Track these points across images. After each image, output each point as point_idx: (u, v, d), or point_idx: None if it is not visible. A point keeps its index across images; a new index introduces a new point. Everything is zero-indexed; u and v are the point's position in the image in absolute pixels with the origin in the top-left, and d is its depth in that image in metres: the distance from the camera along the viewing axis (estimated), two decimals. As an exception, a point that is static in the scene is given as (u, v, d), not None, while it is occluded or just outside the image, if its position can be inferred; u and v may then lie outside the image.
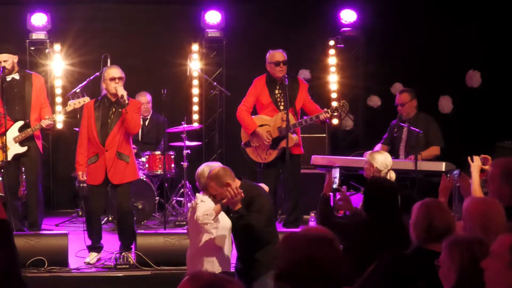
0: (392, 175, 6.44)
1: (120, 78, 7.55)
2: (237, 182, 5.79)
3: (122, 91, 7.47)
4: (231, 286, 2.54)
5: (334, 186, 6.12)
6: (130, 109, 7.48)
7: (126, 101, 7.44)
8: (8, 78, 8.19)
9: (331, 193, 5.79)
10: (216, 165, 6.00)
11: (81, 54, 10.21)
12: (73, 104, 7.98)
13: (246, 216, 5.56)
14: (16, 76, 8.25)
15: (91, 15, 10.44)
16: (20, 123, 8.18)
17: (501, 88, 10.52)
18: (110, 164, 7.51)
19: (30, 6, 10.12)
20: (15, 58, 8.26)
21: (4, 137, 8.03)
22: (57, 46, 10.19)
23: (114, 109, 7.57)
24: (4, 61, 8.15)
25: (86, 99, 7.85)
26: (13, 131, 8.15)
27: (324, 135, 9.81)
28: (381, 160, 6.46)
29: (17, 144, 8.14)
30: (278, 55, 8.45)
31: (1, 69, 8.05)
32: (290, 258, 2.91)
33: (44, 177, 9.05)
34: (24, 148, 8.17)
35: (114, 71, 7.59)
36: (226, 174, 5.73)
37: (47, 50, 10.09)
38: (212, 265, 5.80)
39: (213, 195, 5.80)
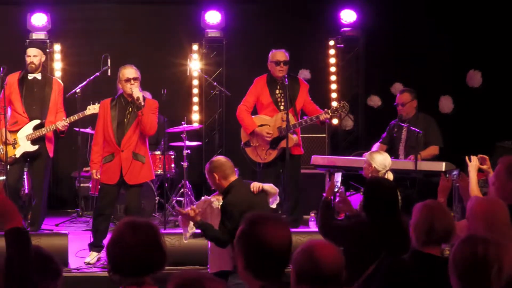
0: (390, 176, 6.43)
1: (135, 79, 7.46)
2: (231, 179, 5.85)
3: (137, 93, 7.39)
4: (210, 283, 2.60)
5: (336, 190, 6.13)
6: (146, 111, 7.42)
7: (142, 103, 7.39)
8: (30, 77, 8.25)
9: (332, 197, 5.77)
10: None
11: (81, 54, 10.21)
12: (93, 108, 7.98)
13: (208, 230, 5.71)
14: (38, 76, 8.29)
15: (91, 15, 10.44)
16: (36, 121, 8.18)
17: (502, 88, 10.51)
18: (126, 165, 7.46)
19: (30, 6, 10.12)
20: (43, 57, 8.39)
21: (5, 134, 8.03)
22: (57, 46, 10.20)
23: (130, 109, 7.51)
24: (34, 55, 8.24)
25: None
26: (27, 129, 8.16)
27: (324, 135, 9.80)
28: (380, 160, 6.45)
29: (29, 142, 8.14)
30: (279, 54, 8.45)
31: (1, 69, 8.05)
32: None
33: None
34: (35, 147, 8.16)
35: (129, 72, 7.50)
36: (220, 167, 5.85)
37: (47, 50, 10.08)
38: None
39: None
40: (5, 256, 2.76)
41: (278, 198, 6.25)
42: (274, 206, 6.26)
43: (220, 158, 6.08)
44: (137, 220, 3.38)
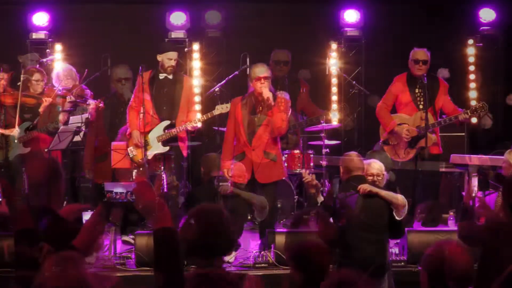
0: None
1: (265, 78, 7.56)
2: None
3: (267, 93, 7.54)
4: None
5: (473, 194, 6.08)
6: (276, 110, 7.55)
7: (272, 103, 7.50)
8: (161, 76, 8.15)
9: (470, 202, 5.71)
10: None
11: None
12: (221, 108, 7.97)
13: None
14: (170, 76, 8.17)
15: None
16: (166, 122, 8.06)
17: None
18: (257, 164, 7.52)
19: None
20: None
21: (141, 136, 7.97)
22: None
23: (261, 107, 7.64)
24: (174, 59, 8.13)
25: (229, 105, 7.89)
26: (158, 130, 8.06)
27: (463, 134, 9.57)
28: None
29: (160, 143, 8.05)
30: (420, 53, 8.46)
31: (140, 68, 7.99)
32: None
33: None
34: (166, 148, 8.05)
35: (260, 70, 7.64)
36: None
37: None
38: None
39: None
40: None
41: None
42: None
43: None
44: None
